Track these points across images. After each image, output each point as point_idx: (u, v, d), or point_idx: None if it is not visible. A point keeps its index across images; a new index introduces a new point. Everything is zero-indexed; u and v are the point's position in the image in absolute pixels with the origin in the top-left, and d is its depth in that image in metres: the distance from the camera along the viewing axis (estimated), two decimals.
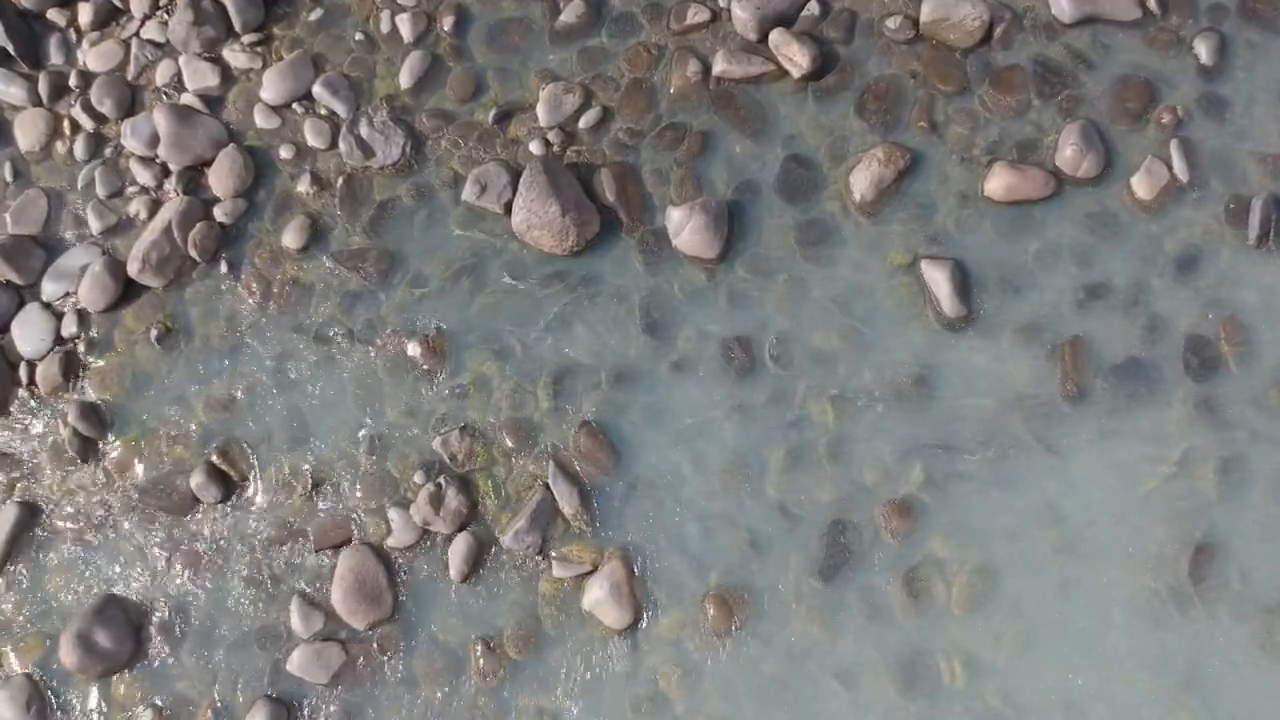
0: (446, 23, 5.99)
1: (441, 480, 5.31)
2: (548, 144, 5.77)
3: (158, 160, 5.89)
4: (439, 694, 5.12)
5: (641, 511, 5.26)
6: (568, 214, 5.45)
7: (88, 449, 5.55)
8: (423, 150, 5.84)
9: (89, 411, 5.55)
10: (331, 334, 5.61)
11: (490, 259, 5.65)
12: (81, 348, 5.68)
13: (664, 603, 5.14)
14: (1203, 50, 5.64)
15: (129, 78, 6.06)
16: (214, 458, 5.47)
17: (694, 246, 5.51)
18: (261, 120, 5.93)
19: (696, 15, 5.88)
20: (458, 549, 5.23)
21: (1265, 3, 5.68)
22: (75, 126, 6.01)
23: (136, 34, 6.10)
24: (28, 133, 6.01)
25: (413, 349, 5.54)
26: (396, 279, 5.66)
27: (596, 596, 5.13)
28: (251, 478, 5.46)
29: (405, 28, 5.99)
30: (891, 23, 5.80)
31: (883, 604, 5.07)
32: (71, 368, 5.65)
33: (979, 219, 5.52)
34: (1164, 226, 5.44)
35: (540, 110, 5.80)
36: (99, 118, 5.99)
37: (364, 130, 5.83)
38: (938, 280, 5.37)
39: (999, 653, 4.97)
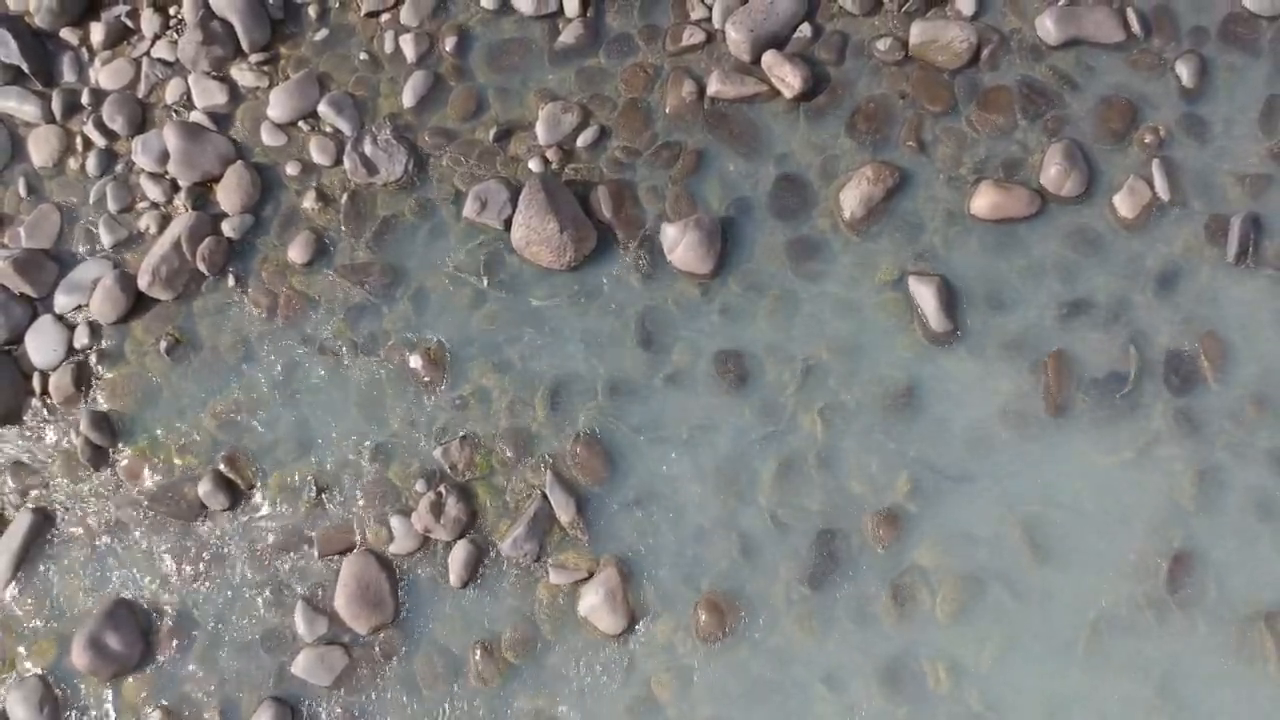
0: (448, 43, 6.10)
1: (442, 489, 5.44)
2: (546, 162, 5.88)
3: (167, 176, 6.01)
4: (438, 696, 5.24)
5: (636, 520, 5.38)
6: (565, 230, 5.57)
7: (99, 457, 5.68)
8: (425, 167, 5.96)
9: (100, 421, 5.69)
10: (336, 346, 5.73)
11: (490, 274, 5.77)
12: (93, 358, 5.81)
13: (657, 609, 5.27)
14: (1184, 72, 5.75)
15: (140, 95, 6.18)
16: (221, 466, 5.60)
17: (688, 262, 5.63)
18: (268, 138, 6.05)
19: (692, 37, 6.00)
20: (457, 556, 5.36)
21: (1245, 27, 5.80)
22: (87, 143, 6.13)
23: (147, 53, 6.22)
24: (41, 149, 6.13)
25: (414, 361, 5.66)
26: (399, 292, 5.78)
27: (592, 602, 5.25)
28: (258, 486, 5.59)
29: (408, 48, 6.11)
30: (881, 45, 5.92)
31: (870, 610, 5.19)
32: (83, 378, 5.78)
33: (965, 236, 5.63)
34: (1145, 244, 5.56)
35: (539, 129, 5.91)
36: (110, 134, 6.11)
37: (368, 148, 5.95)
38: (925, 296, 5.49)
39: (982, 658, 5.09)
